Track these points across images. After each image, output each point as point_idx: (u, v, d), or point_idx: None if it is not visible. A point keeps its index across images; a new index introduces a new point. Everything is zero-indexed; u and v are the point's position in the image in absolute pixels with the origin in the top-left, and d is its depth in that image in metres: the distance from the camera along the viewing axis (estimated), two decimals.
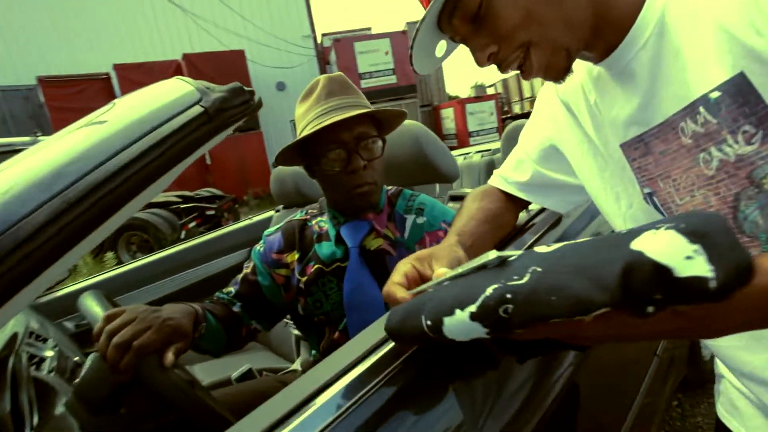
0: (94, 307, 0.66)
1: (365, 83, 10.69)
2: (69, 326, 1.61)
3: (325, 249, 0.92)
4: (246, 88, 0.64)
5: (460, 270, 0.43)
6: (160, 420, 0.66)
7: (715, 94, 0.43)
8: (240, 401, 0.97)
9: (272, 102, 11.46)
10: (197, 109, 0.54)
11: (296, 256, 0.94)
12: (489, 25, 0.48)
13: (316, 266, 0.92)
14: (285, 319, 1.07)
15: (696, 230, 0.29)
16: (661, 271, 0.28)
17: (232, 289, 0.96)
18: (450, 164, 1.12)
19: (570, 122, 0.64)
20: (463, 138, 11.32)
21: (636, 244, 0.30)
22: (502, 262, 0.39)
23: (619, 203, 0.61)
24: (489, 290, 0.36)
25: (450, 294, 0.41)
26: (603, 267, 0.31)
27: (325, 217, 0.97)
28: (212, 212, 5.80)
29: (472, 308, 0.37)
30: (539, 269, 0.35)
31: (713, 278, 0.27)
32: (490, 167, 1.94)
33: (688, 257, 0.28)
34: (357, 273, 0.88)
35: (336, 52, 10.61)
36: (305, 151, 0.91)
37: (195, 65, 9.42)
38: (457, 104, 11.48)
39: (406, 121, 1.13)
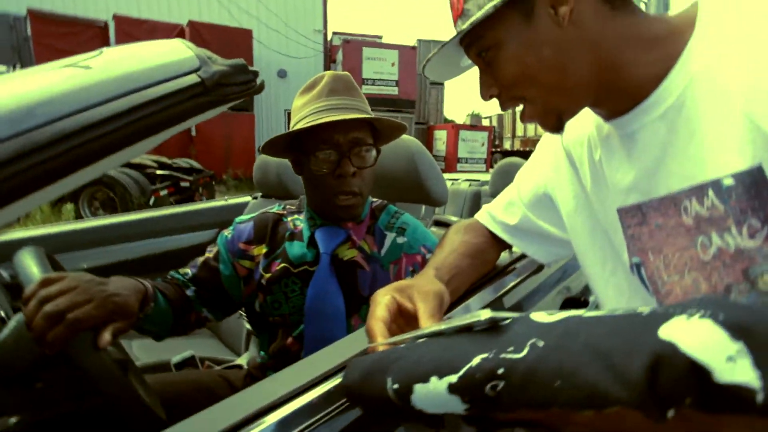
0: (31, 267, 0.59)
1: (366, 89, 10.69)
2: (4, 274, 1.49)
3: (296, 249, 0.88)
4: (250, 68, 0.60)
5: (443, 326, 0.38)
6: (79, 403, 0.60)
7: (729, 181, 0.42)
8: (178, 392, 0.91)
9: (271, 88, 11.28)
10: (193, 78, 0.50)
11: (264, 250, 0.90)
12: (493, 70, 0.51)
13: (283, 265, 0.87)
14: (240, 311, 1.02)
15: (739, 324, 0.25)
16: (699, 373, 0.24)
17: (189, 271, 0.90)
18: (441, 188, 1.10)
19: (569, 173, 0.63)
20: (451, 162, 11.46)
21: (666, 332, 0.26)
22: (493, 326, 0.34)
23: (604, 266, 0.60)
24: (477, 360, 0.32)
25: (427, 356, 0.36)
26: (625, 356, 0.26)
27: (302, 216, 0.93)
28: (187, 184, 5.62)
29: (453, 378, 0.32)
30: (541, 343, 0.30)
31: (761, 389, 0.23)
32: (476, 197, 1.95)
33: (730, 358, 0.24)
34: (324, 280, 0.84)
35: (344, 52, 10.60)
36: (296, 145, 0.87)
37: (200, 34, 9.19)
38: (452, 128, 11.64)
39: (405, 137, 1.11)
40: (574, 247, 0.65)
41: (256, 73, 0.61)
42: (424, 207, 1.20)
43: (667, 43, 0.47)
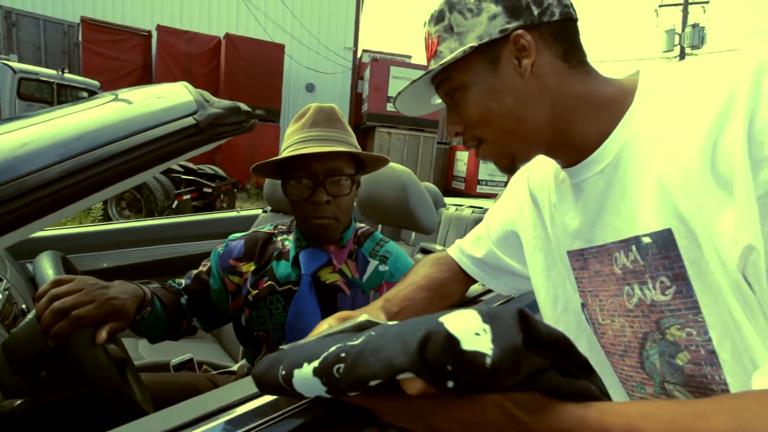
0: (47, 269, 0.69)
1: (391, 107, 10.82)
2: (30, 269, 1.62)
3: (282, 268, 0.94)
4: (244, 109, 0.68)
5: (337, 328, 0.46)
6: (76, 392, 0.68)
7: (647, 240, 0.46)
8: (169, 391, 0.98)
9: (299, 101, 11.64)
10: (189, 121, 0.58)
11: (252, 268, 0.95)
12: (459, 110, 0.55)
13: (269, 282, 0.93)
14: None
15: (491, 314, 0.33)
16: (451, 341, 0.32)
17: (183, 281, 0.98)
18: (430, 218, 1.16)
19: (532, 213, 0.67)
20: (471, 183, 11.44)
21: (443, 318, 0.34)
22: (360, 327, 0.42)
23: (555, 304, 0.64)
24: (332, 348, 0.39)
25: (307, 348, 0.43)
26: (412, 334, 0.34)
27: (291, 237, 0.99)
28: (209, 190, 5.83)
29: (316, 363, 0.39)
30: (373, 333, 0.38)
31: (490, 356, 0.30)
32: (477, 224, 1.99)
33: (477, 334, 0.32)
34: (304, 300, 0.90)
35: (371, 70, 10.85)
36: (281, 170, 0.94)
37: (235, 46, 9.61)
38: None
39: (398, 167, 1.18)
40: (532, 283, 0.69)
41: (249, 114, 0.70)
42: (414, 233, 1.26)
43: (613, 105, 0.51)
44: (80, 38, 9.06)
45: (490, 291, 0.90)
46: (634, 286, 0.49)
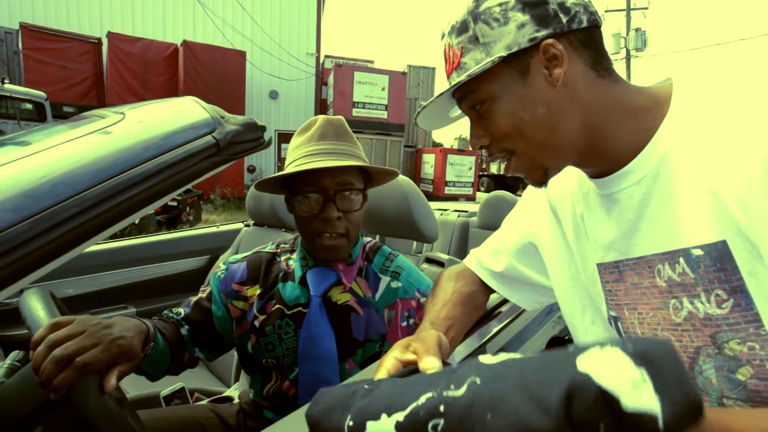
0: (38, 310, 0.61)
1: (356, 112, 10.87)
2: None
3: (289, 290, 0.89)
4: (259, 124, 0.64)
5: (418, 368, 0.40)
6: None
7: (698, 252, 0.45)
8: (170, 430, 0.91)
9: (262, 108, 11.39)
10: (209, 140, 0.53)
11: (258, 291, 0.90)
12: (485, 122, 0.53)
13: (277, 306, 0.88)
14: None
15: (642, 353, 0.28)
16: (608, 400, 0.27)
17: (181, 311, 0.91)
18: (431, 227, 1.14)
19: (553, 225, 0.66)
20: (439, 185, 11.60)
21: (582, 363, 0.29)
22: (445, 367, 0.37)
23: (583, 316, 0.63)
24: (423, 398, 0.33)
25: (381, 394, 0.37)
26: (547, 387, 0.29)
27: (295, 256, 0.94)
28: (174, 204, 5.57)
29: (400, 417, 0.34)
30: (478, 380, 0.32)
31: (660, 416, 0.26)
32: (464, 228, 1.99)
33: (635, 384, 0.26)
34: (316, 323, 0.85)
35: (335, 76, 10.79)
36: (287, 185, 0.89)
37: (194, 54, 9.28)
38: (440, 152, 11.84)
39: (401, 177, 1.16)
40: (557, 295, 0.68)
41: (263, 129, 0.65)
42: (415, 242, 1.24)
43: (647, 114, 0.51)
44: (20, 45, 8.45)
45: (507, 300, 0.90)
46: (682, 300, 0.47)
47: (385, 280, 0.91)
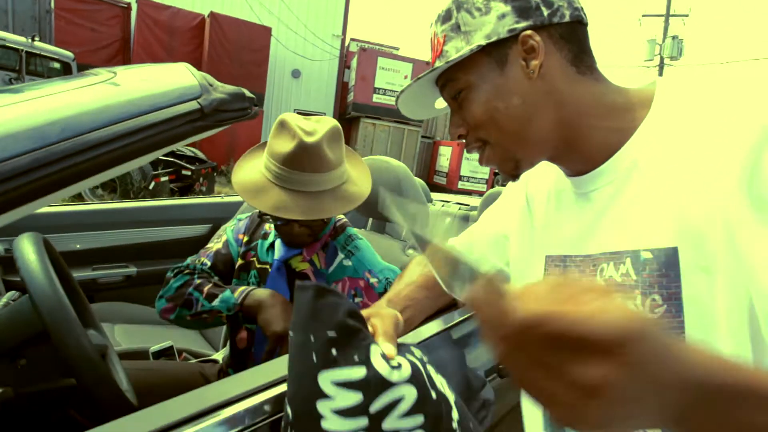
0: (29, 253, 0.65)
1: (377, 98, 10.81)
2: (0, 249, 1.54)
3: (263, 249, 1.01)
4: (248, 95, 0.66)
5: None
6: (58, 382, 0.65)
7: (647, 255, 0.46)
8: (154, 381, 0.96)
9: (283, 86, 11.42)
10: (193, 105, 0.56)
11: (245, 239, 1.04)
12: (462, 111, 0.54)
13: (253, 258, 1.00)
14: None
15: None
16: None
17: (207, 261, 1.01)
18: None
19: (524, 219, 0.66)
20: (453, 179, 11.52)
21: None
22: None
23: None
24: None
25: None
26: None
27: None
28: (188, 173, 5.67)
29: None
30: None
31: None
32: (464, 221, 2.00)
33: None
34: (274, 284, 0.95)
35: (359, 60, 10.73)
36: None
37: (220, 26, 9.31)
38: (458, 146, 11.72)
39: (394, 162, 1.17)
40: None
41: (252, 100, 0.67)
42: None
43: (625, 115, 0.50)
44: (52, 5, 8.57)
45: None
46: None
47: (340, 256, 0.98)
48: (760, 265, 0.39)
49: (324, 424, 0.41)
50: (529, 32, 0.48)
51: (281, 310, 0.85)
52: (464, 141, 0.56)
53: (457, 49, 0.51)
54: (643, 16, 15.96)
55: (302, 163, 0.83)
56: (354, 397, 0.42)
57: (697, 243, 0.43)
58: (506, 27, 0.49)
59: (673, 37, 15.38)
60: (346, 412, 0.42)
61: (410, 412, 0.44)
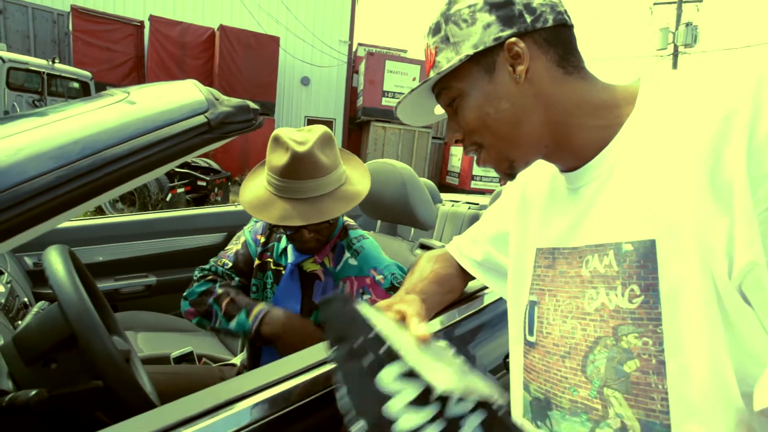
0: (57, 264, 0.70)
1: (386, 101, 10.87)
2: (28, 262, 1.62)
3: (278, 251, 1.06)
4: (252, 107, 0.69)
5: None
6: (87, 384, 0.69)
7: (628, 247, 0.48)
8: (174, 383, 1.01)
9: (293, 94, 11.57)
10: (201, 119, 0.59)
11: (263, 240, 1.08)
12: (457, 117, 0.56)
13: (269, 259, 1.05)
14: None
15: None
16: None
17: (228, 262, 1.06)
18: (428, 214, 1.18)
19: (522, 214, 0.67)
20: (465, 178, 11.48)
21: None
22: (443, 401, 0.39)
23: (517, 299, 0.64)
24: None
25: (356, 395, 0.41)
26: None
27: None
28: (203, 183, 5.80)
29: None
30: None
31: None
32: (474, 220, 2.01)
33: None
34: (286, 285, 1.00)
35: (366, 64, 10.80)
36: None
37: (229, 38, 9.50)
38: None
39: (399, 164, 1.20)
40: (508, 281, 0.68)
41: (257, 112, 0.71)
42: (413, 229, 1.28)
43: (612, 111, 0.52)
44: (70, 27, 8.90)
45: (485, 288, 0.93)
46: (599, 290, 0.49)
47: (346, 255, 1.02)
48: (719, 253, 0.41)
49: (399, 426, 0.39)
50: (513, 39, 0.50)
51: (297, 333, 0.91)
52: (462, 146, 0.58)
53: (447, 60, 0.53)
54: (655, 4, 15.67)
55: (298, 172, 0.87)
56: (418, 386, 0.40)
57: (672, 235, 0.44)
58: (492, 36, 0.51)
59: (687, 24, 15.03)
60: (415, 402, 0.40)
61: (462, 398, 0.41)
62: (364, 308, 0.49)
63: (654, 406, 0.45)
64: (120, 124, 0.54)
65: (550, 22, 0.51)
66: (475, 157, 0.58)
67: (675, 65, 15.24)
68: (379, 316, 0.49)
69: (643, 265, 0.46)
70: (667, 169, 0.46)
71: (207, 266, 1.07)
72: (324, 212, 0.87)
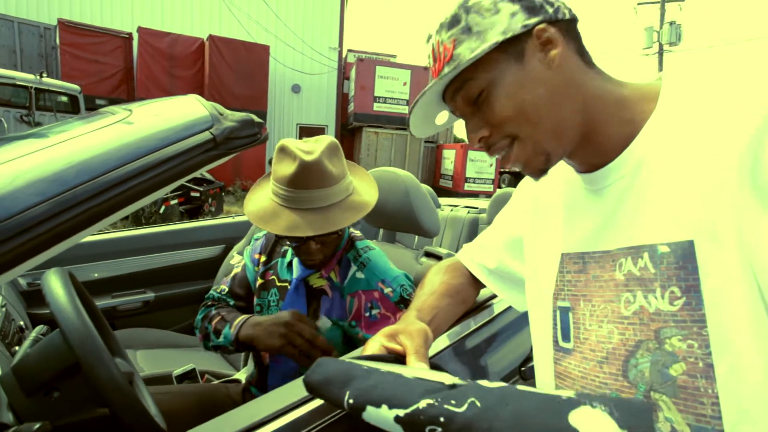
0: (57, 288, 0.67)
1: (377, 107, 10.90)
2: (22, 283, 1.58)
3: (282, 267, 1.04)
4: (256, 120, 0.68)
5: (417, 374, 0.43)
6: (91, 412, 0.67)
7: (664, 249, 0.46)
8: (180, 404, 0.98)
9: (284, 102, 11.56)
10: (206, 135, 0.58)
11: (263, 259, 1.06)
12: (485, 111, 0.52)
13: (273, 277, 1.03)
14: None
15: (627, 420, 0.32)
16: None
17: (225, 287, 1.07)
18: (432, 221, 1.17)
19: (538, 221, 0.66)
20: (458, 181, 11.52)
21: (573, 419, 0.32)
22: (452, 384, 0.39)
23: (540, 305, 0.63)
24: (423, 403, 0.37)
25: (383, 385, 0.41)
26: (536, 427, 0.33)
27: None
28: (197, 194, 5.75)
29: (400, 412, 0.37)
30: (478, 403, 0.35)
31: None
32: (473, 225, 2.01)
33: None
34: (292, 300, 0.98)
35: (357, 70, 10.83)
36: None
37: (219, 48, 9.48)
38: (461, 148, 11.74)
39: (401, 172, 1.19)
40: (526, 288, 0.67)
41: (261, 125, 0.69)
42: (417, 237, 1.27)
43: (635, 106, 0.51)
44: (57, 41, 8.82)
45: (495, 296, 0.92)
46: (636, 294, 0.48)
47: (353, 269, 0.99)
48: (762, 254, 0.40)
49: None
50: (543, 26, 0.49)
51: (267, 327, 0.90)
52: (485, 145, 0.54)
53: (471, 50, 0.50)
54: (639, 4, 15.91)
55: (306, 182, 0.85)
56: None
57: (711, 235, 0.43)
58: (520, 23, 0.49)
59: (671, 23, 15.28)
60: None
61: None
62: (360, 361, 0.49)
63: (704, 411, 0.44)
64: (123, 144, 0.52)
65: (567, 15, 0.51)
66: (502, 156, 0.54)
67: (661, 64, 15.47)
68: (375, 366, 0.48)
69: (683, 266, 0.45)
70: (700, 168, 0.45)
71: (208, 295, 1.09)
72: (332, 222, 0.85)
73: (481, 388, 0.37)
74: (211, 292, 1.08)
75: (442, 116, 0.62)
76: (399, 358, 0.55)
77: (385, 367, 0.47)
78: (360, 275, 0.98)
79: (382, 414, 0.39)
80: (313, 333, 0.89)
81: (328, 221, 0.85)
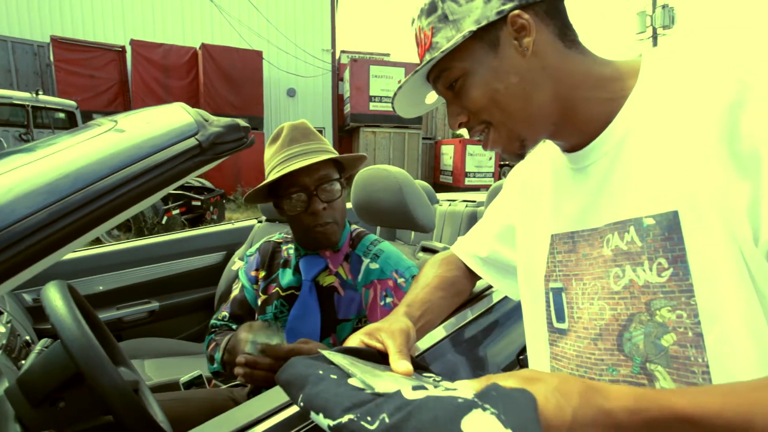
0: (56, 301, 0.68)
1: (373, 106, 10.89)
2: (27, 299, 1.60)
3: (287, 275, 1.02)
4: (242, 125, 0.69)
5: (358, 376, 0.44)
6: (97, 421, 0.68)
7: (650, 221, 0.47)
8: (187, 410, 0.99)
9: (280, 107, 11.57)
10: (192, 142, 0.59)
11: (263, 275, 1.06)
12: (461, 98, 0.54)
13: (276, 289, 1.02)
14: None
15: (513, 424, 0.32)
16: None
17: (225, 313, 1.06)
18: (427, 217, 1.17)
19: (527, 205, 0.67)
20: (458, 176, 11.50)
21: (465, 425, 0.33)
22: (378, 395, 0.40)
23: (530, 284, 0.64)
24: (345, 418, 0.38)
25: (323, 394, 0.43)
26: None
27: (293, 246, 1.06)
28: (198, 203, 5.77)
29: (330, 422, 0.39)
30: (387, 420, 0.36)
31: None
32: (472, 218, 2.01)
33: None
34: (305, 303, 0.97)
35: (351, 71, 10.82)
36: (272, 191, 1.00)
37: (212, 56, 9.49)
38: (459, 143, 11.72)
39: (394, 169, 1.19)
40: (518, 273, 0.68)
41: (247, 129, 0.70)
42: (413, 232, 1.28)
43: (615, 84, 0.52)
44: (52, 58, 8.86)
45: (491, 287, 0.92)
46: (625, 268, 0.49)
47: (365, 262, 1.01)
48: (742, 220, 0.40)
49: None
50: (517, 12, 0.49)
51: (235, 342, 0.88)
52: (466, 129, 0.56)
53: (447, 39, 0.51)
54: None
55: (297, 138, 0.94)
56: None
57: (694, 204, 0.44)
58: (494, 10, 0.49)
59: (663, 6, 15.20)
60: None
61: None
62: (333, 356, 0.50)
63: (695, 380, 0.44)
64: (110, 154, 0.53)
65: None
66: (483, 140, 0.56)
67: (655, 46, 15.37)
68: (351, 362, 0.49)
69: (668, 237, 0.45)
70: (680, 140, 0.45)
71: (211, 323, 1.09)
72: (332, 153, 0.94)
73: (399, 403, 0.38)
74: (213, 320, 1.08)
75: (431, 96, 0.62)
76: (381, 353, 0.55)
77: (360, 366, 0.48)
78: (374, 266, 1.00)
79: (320, 421, 0.41)
80: (268, 361, 0.81)
81: (329, 155, 0.93)
